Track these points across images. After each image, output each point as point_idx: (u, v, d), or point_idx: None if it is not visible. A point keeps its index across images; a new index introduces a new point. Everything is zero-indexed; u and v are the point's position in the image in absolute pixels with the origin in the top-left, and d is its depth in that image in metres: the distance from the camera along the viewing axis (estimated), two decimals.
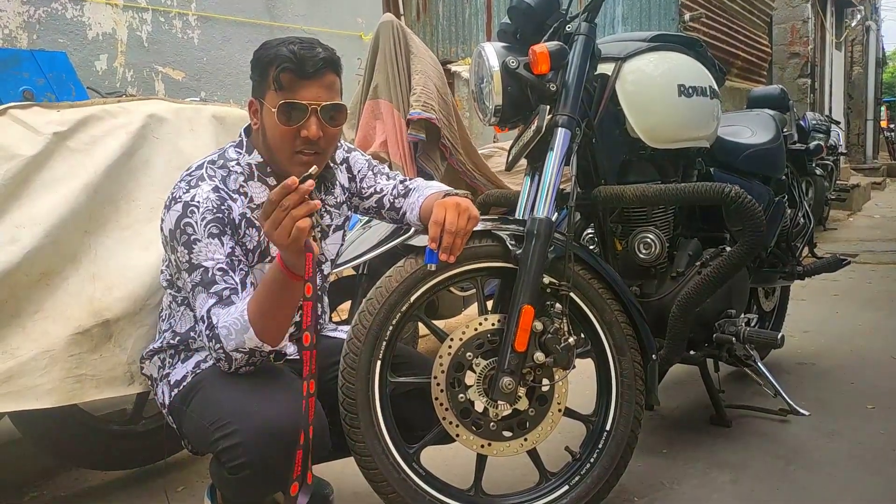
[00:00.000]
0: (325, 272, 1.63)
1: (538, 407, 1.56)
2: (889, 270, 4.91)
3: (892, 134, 17.19)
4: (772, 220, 2.32)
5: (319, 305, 1.67)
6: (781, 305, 2.90)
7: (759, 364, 2.19)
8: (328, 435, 1.39)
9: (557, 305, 1.55)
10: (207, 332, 1.33)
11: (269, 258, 1.49)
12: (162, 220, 1.41)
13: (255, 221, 1.45)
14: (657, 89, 1.91)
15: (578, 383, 1.81)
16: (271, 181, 1.47)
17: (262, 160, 1.47)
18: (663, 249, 1.95)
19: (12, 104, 1.58)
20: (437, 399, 1.50)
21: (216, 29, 3.72)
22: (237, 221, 1.42)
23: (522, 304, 1.51)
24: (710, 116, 2.02)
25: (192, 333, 1.49)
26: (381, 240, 2.22)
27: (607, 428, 1.65)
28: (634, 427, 1.66)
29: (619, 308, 1.67)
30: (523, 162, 1.83)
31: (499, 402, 1.50)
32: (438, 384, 1.50)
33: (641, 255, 1.96)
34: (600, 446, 1.64)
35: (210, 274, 1.34)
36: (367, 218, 2.16)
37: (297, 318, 1.60)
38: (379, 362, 1.50)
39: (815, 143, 3.08)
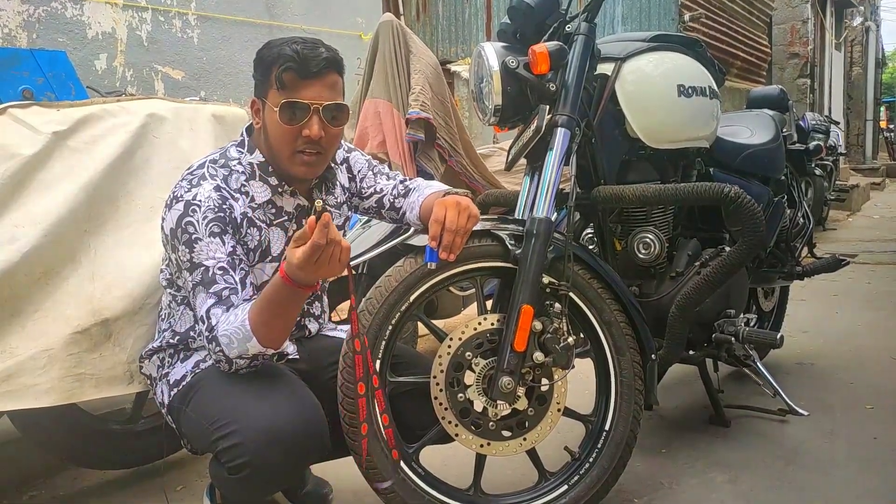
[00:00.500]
0: None
1: (537, 407, 1.56)
2: (888, 271, 4.92)
3: (892, 134, 17.20)
4: (771, 221, 2.32)
5: (319, 305, 1.67)
6: (781, 305, 2.90)
7: (758, 364, 2.20)
8: (328, 434, 1.39)
9: (557, 305, 1.55)
10: (207, 332, 1.33)
11: (270, 258, 1.49)
12: (163, 219, 1.41)
13: (256, 221, 1.45)
14: (657, 89, 1.91)
15: (577, 383, 1.81)
16: (272, 181, 1.47)
17: (263, 160, 1.47)
18: (662, 249, 1.95)
19: (12, 103, 1.58)
20: (436, 398, 1.50)
21: (216, 28, 3.71)
22: (238, 221, 1.42)
23: (522, 304, 1.51)
24: (709, 116, 2.02)
25: (191, 333, 1.49)
26: (380, 239, 2.22)
27: (606, 428, 1.65)
28: (633, 427, 1.66)
29: (618, 308, 1.67)
30: (523, 162, 1.83)
31: (498, 401, 1.51)
32: (438, 384, 1.50)
33: (641, 255, 1.96)
34: (599, 446, 1.65)
35: (210, 273, 1.34)
36: (366, 218, 2.16)
37: (297, 318, 1.60)
38: (378, 362, 1.50)
39: (815, 143, 3.07)
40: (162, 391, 1.50)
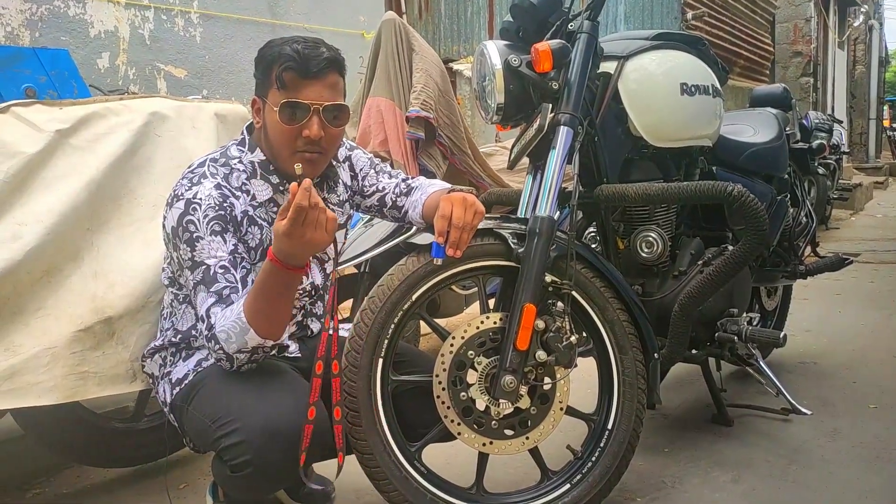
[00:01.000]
0: (328, 270, 1.63)
1: (540, 405, 1.56)
2: (891, 270, 4.91)
3: (895, 133, 17.15)
4: (774, 219, 2.32)
5: (321, 304, 1.67)
6: (783, 304, 2.89)
7: (761, 363, 2.19)
8: (330, 432, 1.39)
9: (559, 304, 1.54)
10: (207, 332, 1.33)
11: None
12: (164, 217, 1.41)
13: (258, 219, 1.45)
14: (660, 88, 1.90)
15: (580, 382, 1.81)
16: (273, 179, 1.47)
17: (264, 158, 1.47)
18: (665, 248, 1.94)
19: (15, 102, 1.58)
20: (438, 397, 1.50)
21: (218, 27, 3.71)
22: (239, 219, 1.42)
23: (524, 303, 1.51)
24: (712, 115, 2.02)
25: (193, 332, 1.49)
26: (382, 238, 2.22)
27: (609, 427, 1.65)
28: (636, 426, 1.66)
29: (620, 307, 1.67)
30: (525, 160, 1.83)
31: (500, 400, 1.50)
32: (440, 382, 1.50)
33: (643, 254, 1.95)
34: (602, 445, 1.64)
35: (212, 272, 1.34)
36: (368, 216, 2.16)
37: (299, 318, 1.61)
38: (381, 360, 1.50)
39: (818, 142, 3.06)
40: (164, 390, 1.50)
